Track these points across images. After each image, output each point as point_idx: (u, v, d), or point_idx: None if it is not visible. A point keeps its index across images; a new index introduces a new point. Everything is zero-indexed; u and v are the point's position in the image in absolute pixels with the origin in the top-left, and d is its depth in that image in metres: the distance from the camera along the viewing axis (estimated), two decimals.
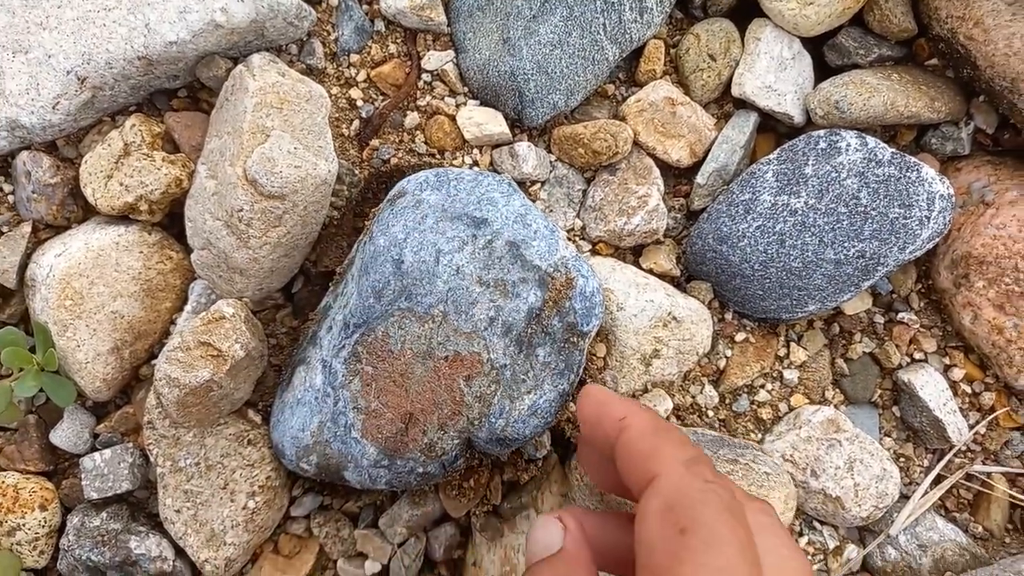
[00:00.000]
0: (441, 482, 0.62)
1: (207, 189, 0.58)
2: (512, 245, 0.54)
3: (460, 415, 0.54)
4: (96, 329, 0.61)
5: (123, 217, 0.63)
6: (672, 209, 0.70)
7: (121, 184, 0.60)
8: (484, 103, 0.68)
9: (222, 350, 0.56)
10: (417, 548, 0.65)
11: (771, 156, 0.65)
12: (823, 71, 0.69)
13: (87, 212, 0.65)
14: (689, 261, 0.69)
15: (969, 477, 0.68)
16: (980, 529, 0.68)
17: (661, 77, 0.70)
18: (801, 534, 0.67)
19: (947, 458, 0.68)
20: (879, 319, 0.69)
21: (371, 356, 0.54)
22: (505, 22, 0.65)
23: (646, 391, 0.65)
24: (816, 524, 0.67)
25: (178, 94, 0.65)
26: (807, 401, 0.69)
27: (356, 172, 0.66)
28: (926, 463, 0.69)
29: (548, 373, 0.55)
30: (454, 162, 0.67)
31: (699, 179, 0.68)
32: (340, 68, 0.67)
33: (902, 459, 0.69)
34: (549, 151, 0.69)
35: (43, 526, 0.62)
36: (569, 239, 0.68)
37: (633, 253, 0.69)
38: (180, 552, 0.62)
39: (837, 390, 0.70)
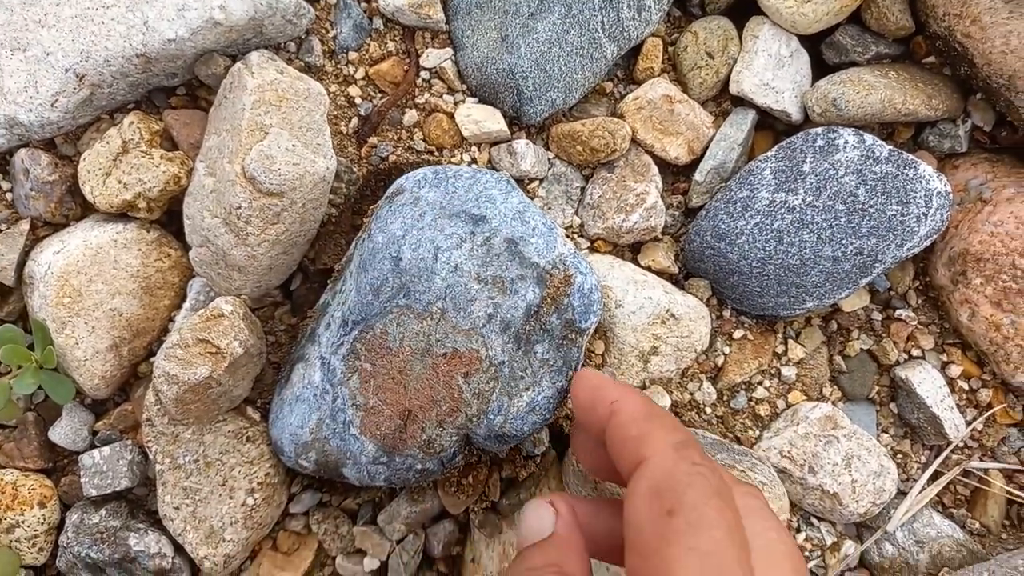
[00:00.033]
0: (440, 479, 0.62)
1: (205, 186, 0.58)
2: (510, 242, 0.54)
3: (458, 412, 0.54)
4: (95, 326, 0.61)
5: (121, 215, 0.63)
6: (670, 206, 0.70)
7: (119, 182, 0.60)
8: (482, 100, 0.68)
9: (221, 347, 0.56)
10: (416, 545, 0.65)
11: (769, 153, 0.65)
12: (821, 69, 0.69)
13: (85, 209, 0.65)
14: (687, 258, 0.69)
15: (966, 473, 0.68)
16: (977, 525, 0.68)
17: (659, 75, 0.70)
18: (799, 530, 0.67)
19: (944, 454, 0.68)
20: (877, 316, 0.70)
21: (370, 353, 0.55)
22: (503, 20, 0.66)
23: (644, 388, 0.65)
24: (814, 520, 0.67)
25: (176, 92, 0.65)
26: (805, 398, 0.69)
27: (354, 169, 0.66)
28: (923, 459, 0.69)
29: (546, 370, 0.55)
30: (452, 159, 0.67)
31: (697, 176, 0.68)
32: (338, 66, 0.67)
33: (899, 455, 0.69)
34: (547, 148, 0.69)
35: (42, 523, 0.62)
36: (567, 236, 0.68)
37: (631, 250, 0.70)
38: (179, 549, 0.62)
39: (835, 387, 0.70)
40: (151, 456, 0.60)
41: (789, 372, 0.69)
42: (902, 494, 0.68)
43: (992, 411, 0.68)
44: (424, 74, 0.68)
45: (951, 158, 0.70)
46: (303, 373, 0.59)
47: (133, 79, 0.60)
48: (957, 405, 0.68)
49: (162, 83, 0.62)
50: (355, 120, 0.67)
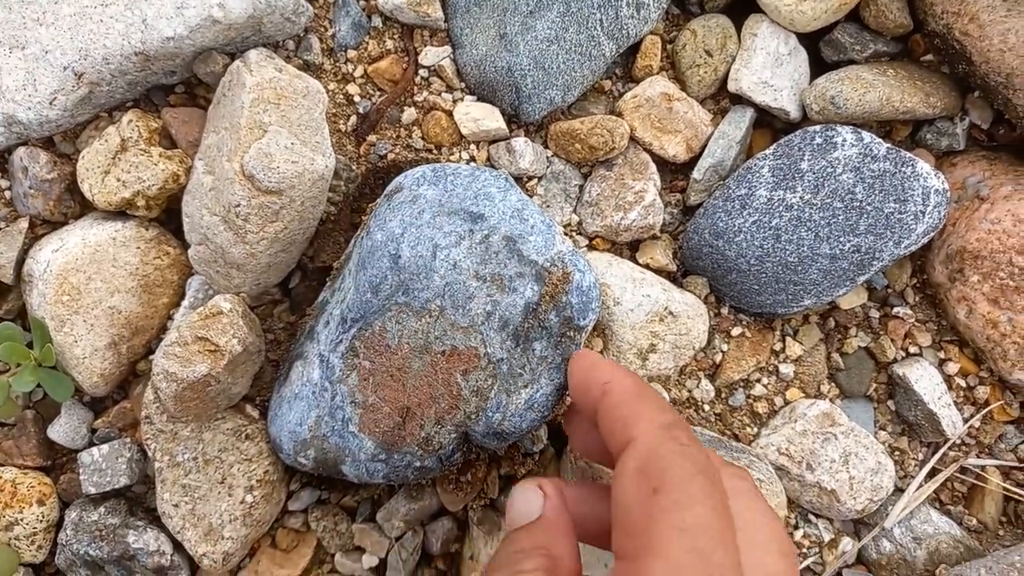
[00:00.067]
0: (438, 476, 0.63)
1: (204, 184, 0.58)
2: (509, 240, 0.54)
3: (457, 409, 0.54)
4: (93, 324, 0.61)
5: (120, 213, 0.63)
6: (668, 204, 0.70)
7: (118, 180, 0.60)
8: (481, 99, 0.68)
9: (219, 345, 0.56)
10: (414, 542, 0.65)
11: (767, 151, 0.65)
12: (819, 67, 0.69)
13: (84, 208, 0.65)
14: (685, 256, 0.69)
15: (963, 470, 0.69)
16: (974, 522, 0.68)
17: (658, 73, 0.70)
18: (796, 527, 0.67)
19: (941, 451, 0.69)
20: (874, 313, 0.70)
21: (368, 351, 0.55)
22: (502, 18, 0.66)
23: None
24: (811, 517, 0.68)
25: (175, 90, 0.65)
26: (803, 395, 0.69)
27: (353, 167, 0.66)
28: (921, 456, 0.70)
29: (545, 367, 0.55)
30: (451, 157, 0.67)
31: (695, 174, 0.68)
32: (337, 64, 0.67)
33: (897, 452, 0.69)
34: (546, 146, 0.69)
35: (41, 521, 0.62)
36: (566, 234, 0.68)
37: (630, 248, 0.70)
38: (178, 546, 0.62)
39: (832, 384, 0.70)
40: (150, 454, 0.60)
41: (787, 369, 0.69)
42: (899, 491, 0.68)
43: (989, 408, 0.68)
44: (423, 72, 0.68)
45: (949, 156, 0.70)
46: (302, 371, 0.59)
47: (132, 77, 0.60)
48: (954, 402, 0.68)
49: (161, 81, 0.62)
50: (354, 118, 0.67)
